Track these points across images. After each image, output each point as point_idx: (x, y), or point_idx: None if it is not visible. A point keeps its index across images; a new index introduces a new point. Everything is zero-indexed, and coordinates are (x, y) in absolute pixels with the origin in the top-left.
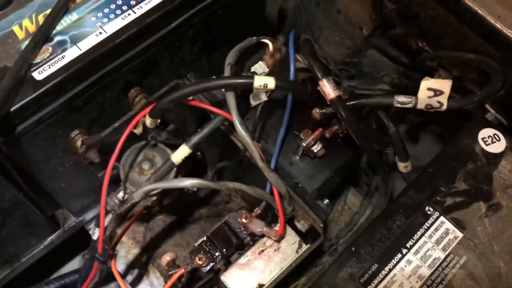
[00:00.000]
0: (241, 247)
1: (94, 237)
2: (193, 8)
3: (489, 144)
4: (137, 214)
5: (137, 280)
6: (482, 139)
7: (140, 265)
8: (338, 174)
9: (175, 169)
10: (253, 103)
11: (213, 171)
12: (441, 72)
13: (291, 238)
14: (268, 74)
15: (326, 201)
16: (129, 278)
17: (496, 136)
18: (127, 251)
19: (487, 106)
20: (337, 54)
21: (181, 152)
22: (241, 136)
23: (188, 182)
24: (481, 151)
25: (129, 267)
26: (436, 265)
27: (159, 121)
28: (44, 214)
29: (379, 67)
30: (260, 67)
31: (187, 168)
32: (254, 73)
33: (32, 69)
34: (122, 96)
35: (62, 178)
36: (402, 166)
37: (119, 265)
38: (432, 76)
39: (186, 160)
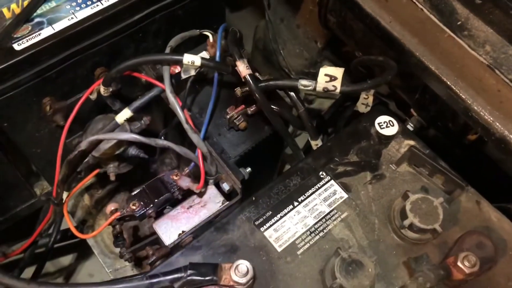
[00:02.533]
0: (172, 201)
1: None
2: (153, 5)
3: (384, 128)
4: (92, 175)
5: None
6: (378, 123)
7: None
8: (261, 147)
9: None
10: (183, 76)
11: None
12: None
13: (217, 198)
14: None
15: (248, 169)
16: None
17: (391, 122)
18: (86, 212)
19: (412, 111)
20: (297, 64)
21: (124, 114)
22: (170, 101)
23: (125, 135)
24: (376, 133)
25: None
26: (320, 217)
27: (111, 89)
28: (23, 176)
29: None
30: (203, 55)
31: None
32: None
33: (13, 42)
34: (91, 75)
35: (38, 144)
36: (314, 144)
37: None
38: None
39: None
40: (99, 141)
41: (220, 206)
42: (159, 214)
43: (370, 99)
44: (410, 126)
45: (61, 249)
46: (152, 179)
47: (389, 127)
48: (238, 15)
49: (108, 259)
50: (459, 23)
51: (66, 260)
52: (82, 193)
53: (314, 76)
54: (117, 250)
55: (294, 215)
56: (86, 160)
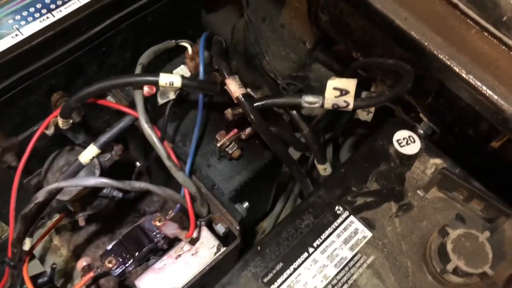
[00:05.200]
0: (156, 251)
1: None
2: (117, 14)
3: (404, 145)
4: (57, 220)
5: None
6: (397, 140)
7: (69, 272)
8: (259, 176)
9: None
10: (160, 101)
11: (133, 174)
12: (378, 83)
13: (210, 242)
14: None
15: (246, 204)
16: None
17: (411, 138)
18: (62, 260)
19: (421, 116)
20: (284, 68)
21: (89, 152)
22: (146, 134)
23: (92, 181)
24: (395, 152)
25: (61, 274)
26: (342, 265)
27: (71, 121)
28: None
29: (325, 81)
30: (181, 70)
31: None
32: None
33: None
34: (47, 101)
35: None
36: (321, 169)
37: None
38: (369, 87)
39: (115, 167)
40: (60, 189)
41: (216, 253)
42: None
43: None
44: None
45: None
46: (130, 215)
47: (409, 144)
48: (212, 14)
49: None
50: (504, 18)
51: None
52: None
53: (303, 80)
54: None
55: (311, 265)
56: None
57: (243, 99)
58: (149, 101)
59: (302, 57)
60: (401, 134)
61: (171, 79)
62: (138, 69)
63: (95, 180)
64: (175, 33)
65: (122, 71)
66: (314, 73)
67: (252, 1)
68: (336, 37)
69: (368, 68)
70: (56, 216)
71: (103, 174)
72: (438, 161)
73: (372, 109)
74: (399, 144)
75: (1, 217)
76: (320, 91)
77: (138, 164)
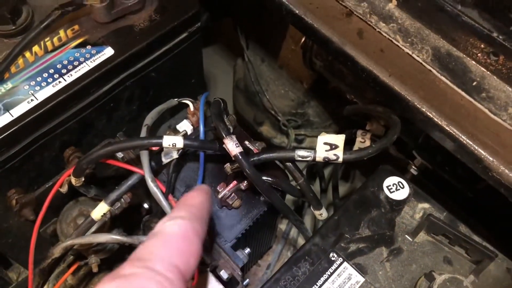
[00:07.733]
0: None
1: None
2: (123, 73)
3: (394, 191)
4: (73, 268)
5: None
6: (387, 187)
7: None
8: (259, 223)
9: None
10: (164, 160)
11: (141, 223)
12: (373, 122)
13: (215, 287)
14: (193, 131)
15: (247, 250)
16: None
17: (400, 183)
18: None
19: (414, 153)
20: (283, 106)
21: (100, 209)
22: (152, 192)
23: (102, 238)
24: (386, 198)
25: None
26: None
27: (83, 179)
28: None
29: (324, 117)
30: (184, 125)
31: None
32: (178, 131)
33: None
34: (61, 155)
35: (8, 234)
36: (317, 214)
37: None
38: (365, 126)
39: (124, 213)
40: (74, 245)
41: None
42: None
43: (368, 143)
44: (413, 170)
45: None
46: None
47: (399, 189)
48: (213, 48)
49: None
50: (474, 83)
51: None
52: (64, 270)
53: (302, 116)
54: None
55: None
56: None
57: (240, 157)
58: (154, 157)
59: (301, 95)
60: (390, 181)
61: (174, 141)
62: (143, 131)
63: (106, 237)
64: (179, 82)
65: (130, 122)
66: (313, 109)
67: (251, 43)
68: (331, 80)
69: (360, 113)
70: (70, 258)
71: (113, 220)
72: (426, 205)
73: None
74: (389, 190)
75: (18, 260)
76: (319, 125)
77: (145, 205)
